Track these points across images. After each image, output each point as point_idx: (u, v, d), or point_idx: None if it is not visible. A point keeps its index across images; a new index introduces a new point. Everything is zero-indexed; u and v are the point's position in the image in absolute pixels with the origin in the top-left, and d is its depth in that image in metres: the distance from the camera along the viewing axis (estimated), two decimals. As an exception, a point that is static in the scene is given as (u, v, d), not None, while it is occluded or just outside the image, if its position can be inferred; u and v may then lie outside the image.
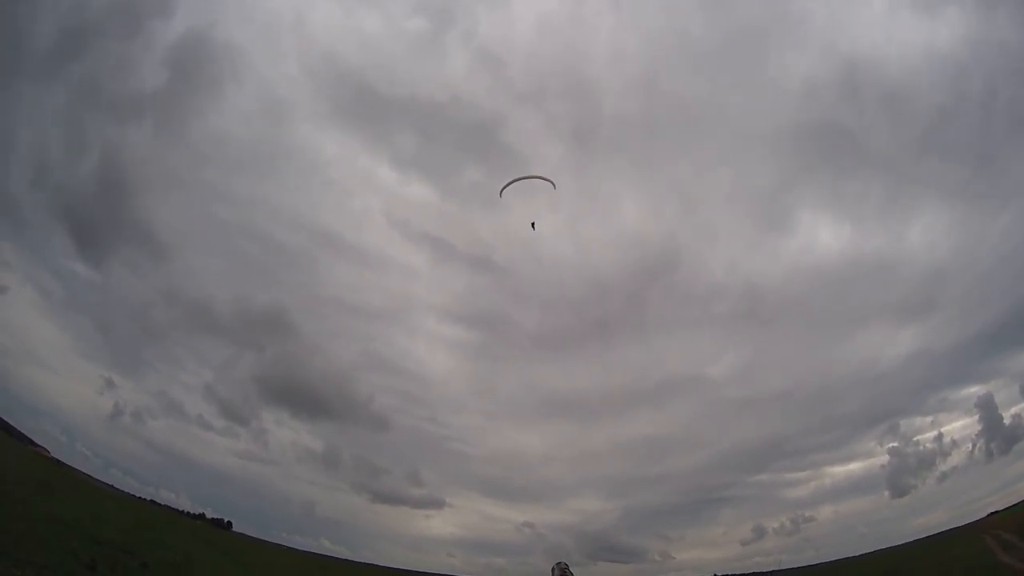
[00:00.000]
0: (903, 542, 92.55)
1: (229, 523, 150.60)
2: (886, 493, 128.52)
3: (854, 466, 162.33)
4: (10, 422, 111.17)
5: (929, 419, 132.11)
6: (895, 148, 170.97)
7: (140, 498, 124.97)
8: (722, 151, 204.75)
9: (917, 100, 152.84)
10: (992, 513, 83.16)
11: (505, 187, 39.63)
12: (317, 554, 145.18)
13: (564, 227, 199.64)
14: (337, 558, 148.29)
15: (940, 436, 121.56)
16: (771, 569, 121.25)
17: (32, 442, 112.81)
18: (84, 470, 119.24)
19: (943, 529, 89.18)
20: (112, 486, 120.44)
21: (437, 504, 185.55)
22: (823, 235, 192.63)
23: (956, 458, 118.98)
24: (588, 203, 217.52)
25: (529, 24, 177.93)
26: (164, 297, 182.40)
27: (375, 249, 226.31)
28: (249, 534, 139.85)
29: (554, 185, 41.43)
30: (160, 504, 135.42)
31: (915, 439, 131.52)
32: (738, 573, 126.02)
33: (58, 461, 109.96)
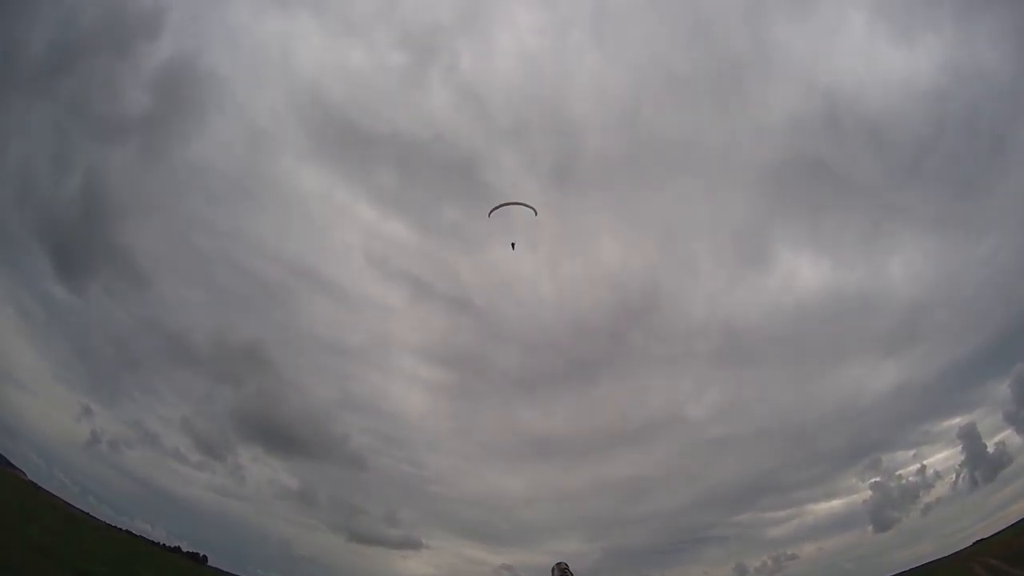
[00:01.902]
0: (889, 575, 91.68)
1: (205, 557, 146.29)
2: (869, 528, 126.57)
3: (836, 503, 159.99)
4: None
5: (911, 452, 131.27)
6: (875, 180, 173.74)
7: (116, 527, 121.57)
8: (702, 187, 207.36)
9: (897, 130, 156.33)
10: (978, 541, 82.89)
11: (493, 210, 41.36)
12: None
13: (544, 266, 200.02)
14: None
15: (923, 468, 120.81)
16: None
17: (9, 464, 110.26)
18: (60, 495, 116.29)
19: (929, 560, 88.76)
20: (88, 513, 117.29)
21: (414, 545, 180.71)
22: (803, 271, 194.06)
23: (940, 489, 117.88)
24: (568, 241, 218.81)
25: (511, 60, 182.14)
26: (143, 326, 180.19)
27: (353, 286, 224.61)
28: (225, 569, 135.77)
29: (536, 212, 42.75)
30: (136, 535, 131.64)
31: (897, 473, 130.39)
32: None
33: (35, 485, 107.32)
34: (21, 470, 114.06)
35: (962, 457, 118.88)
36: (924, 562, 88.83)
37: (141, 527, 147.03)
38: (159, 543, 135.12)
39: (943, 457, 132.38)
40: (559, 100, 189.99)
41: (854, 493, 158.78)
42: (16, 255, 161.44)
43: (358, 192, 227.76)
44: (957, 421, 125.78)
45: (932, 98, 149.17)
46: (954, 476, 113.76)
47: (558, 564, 19.43)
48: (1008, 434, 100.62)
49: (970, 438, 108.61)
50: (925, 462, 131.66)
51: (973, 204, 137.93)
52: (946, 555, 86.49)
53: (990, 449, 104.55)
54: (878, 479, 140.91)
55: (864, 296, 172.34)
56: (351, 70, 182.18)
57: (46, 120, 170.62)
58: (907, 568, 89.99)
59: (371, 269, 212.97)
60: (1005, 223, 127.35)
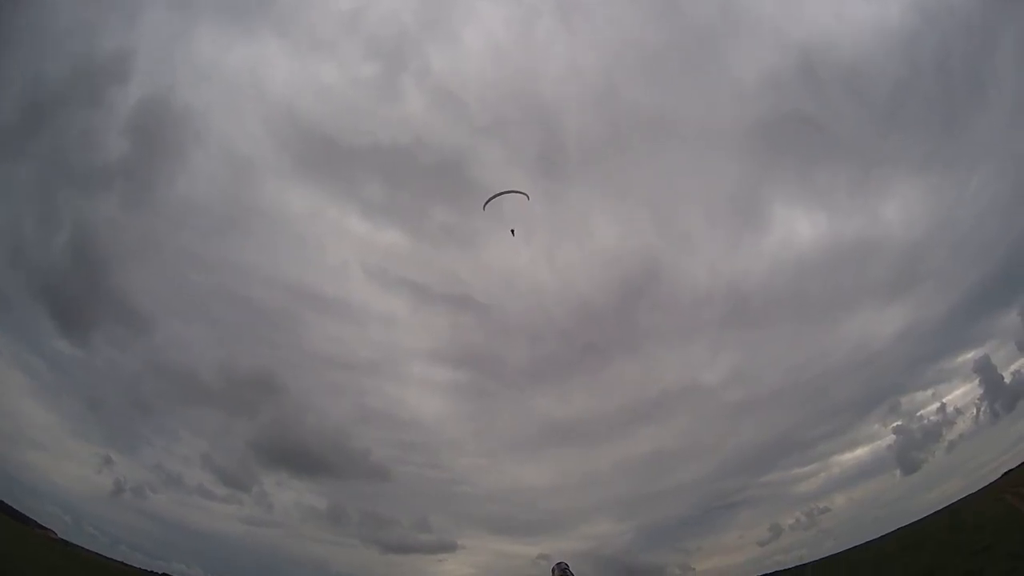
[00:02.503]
0: (923, 516, 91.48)
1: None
2: (897, 472, 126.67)
3: (861, 451, 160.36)
4: (14, 506, 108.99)
5: (929, 392, 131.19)
6: (859, 129, 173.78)
7: (152, 572, 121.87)
8: (689, 156, 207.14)
9: (874, 76, 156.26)
10: (1007, 472, 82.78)
11: (487, 202, 42.09)
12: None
13: (541, 255, 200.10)
14: None
15: (943, 407, 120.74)
16: (793, 565, 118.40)
17: (38, 525, 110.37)
18: (93, 549, 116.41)
19: (961, 497, 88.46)
20: (123, 563, 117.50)
21: (449, 548, 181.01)
22: (799, 226, 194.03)
23: (962, 425, 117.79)
24: (562, 227, 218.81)
25: (481, 55, 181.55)
26: (150, 369, 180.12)
27: (355, 301, 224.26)
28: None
29: (528, 196, 43.84)
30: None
31: (918, 414, 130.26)
32: (761, 574, 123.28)
33: (65, 542, 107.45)
34: (51, 529, 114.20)
35: (980, 391, 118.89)
36: (956, 499, 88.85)
37: (178, 568, 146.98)
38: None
39: (961, 393, 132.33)
40: (535, 89, 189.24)
41: (877, 439, 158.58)
42: (15, 317, 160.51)
43: (347, 207, 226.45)
44: (971, 355, 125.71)
45: (904, 40, 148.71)
46: (974, 410, 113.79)
47: (558, 564, 19.43)
48: (1023, 362, 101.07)
49: (986, 370, 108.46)
50: (944, 400, 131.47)
51: (957, 141, 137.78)
52: (977, 490, 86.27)
53: (1007, 379, 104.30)
54: (899, 422, 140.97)
55: (862, 244, 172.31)
56: (324, 87, 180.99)
57: (27, 181, 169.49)
58: (940, 507, 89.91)
59: (370, 281, 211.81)
60: (991, 156, 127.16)
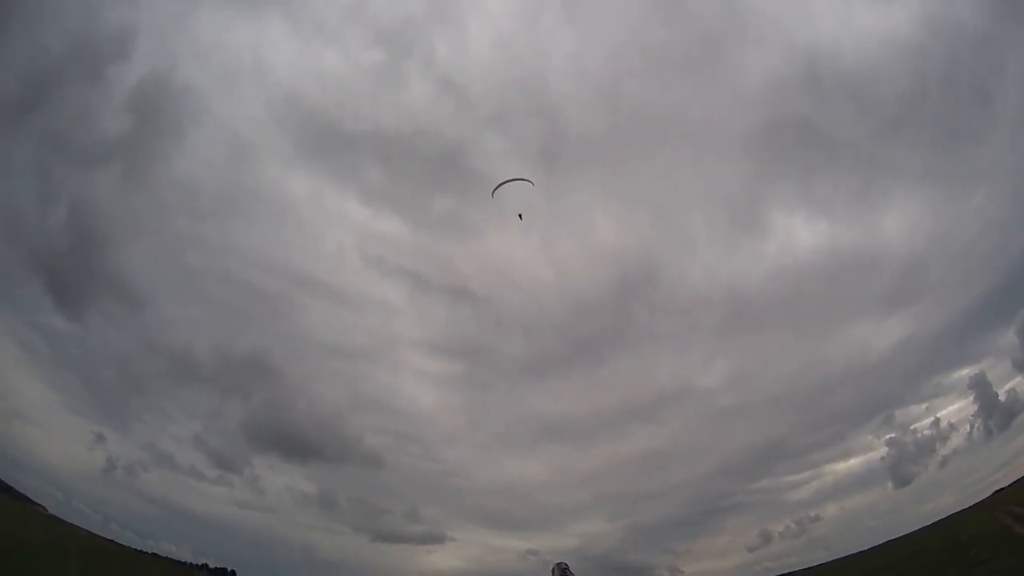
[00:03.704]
0: (914, 529, 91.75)
1: (232, 572, 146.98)
2: (889, 484, 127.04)
3: (854, 461, 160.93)
4: (7, 482, 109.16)
5: (924, 406, 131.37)
6: (862, 138, 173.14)
7: (142, 552, 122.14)
8: (690, 158, 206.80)
9: (879, 87, 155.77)
10: (998, 491, 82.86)
11: (496, 188, 43.75)
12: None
13: (539, 249, 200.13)
14: None
15: (937, 421, 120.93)
16: (781, 573, 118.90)
17: (29, 500, 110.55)
18: (84, 526, 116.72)
19: (951, 512, 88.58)
20: (113, 541, 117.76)
21: (438, 539, 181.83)
22: (799, 233, 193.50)
23: (955, 441, 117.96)
24: (562, 223, 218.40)
25: (486, 47, 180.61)
26: (145, 348, 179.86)
27: (352, 288, 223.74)
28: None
29: (532, 183, 46.15)
30: (162, 557, 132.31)
31: (912, 427, 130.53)
32: None
33: (56, 519, 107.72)
34: (42, 505, 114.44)
35: (975, 407, 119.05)
36: (947, 515, 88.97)
37: (167, 548, 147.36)
38: (186, 562, 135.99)
39: (956, 408, 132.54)
40: (538, 82, 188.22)
41: (871, 451, 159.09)
42: (12, 291, 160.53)
43: (347, 193, 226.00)
44: (966, 372, 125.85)
45: (911, 52, 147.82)
46: (968, 427, 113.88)
47: (558, 564, 19.43)
48: (1019, 381, 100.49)
49: (981, 387, 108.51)
50: (939, 415, 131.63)
51: (961, 156, 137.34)
52: (968, 507, 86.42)
53: (1002, 397, 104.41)
54: (893, 435, 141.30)
55: (862, 254, 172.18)
56: (327, 72, 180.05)
57: (25, 156, 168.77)
58: (930, 522, 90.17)
59: (368, 268, 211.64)
60: (995, 173, 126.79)
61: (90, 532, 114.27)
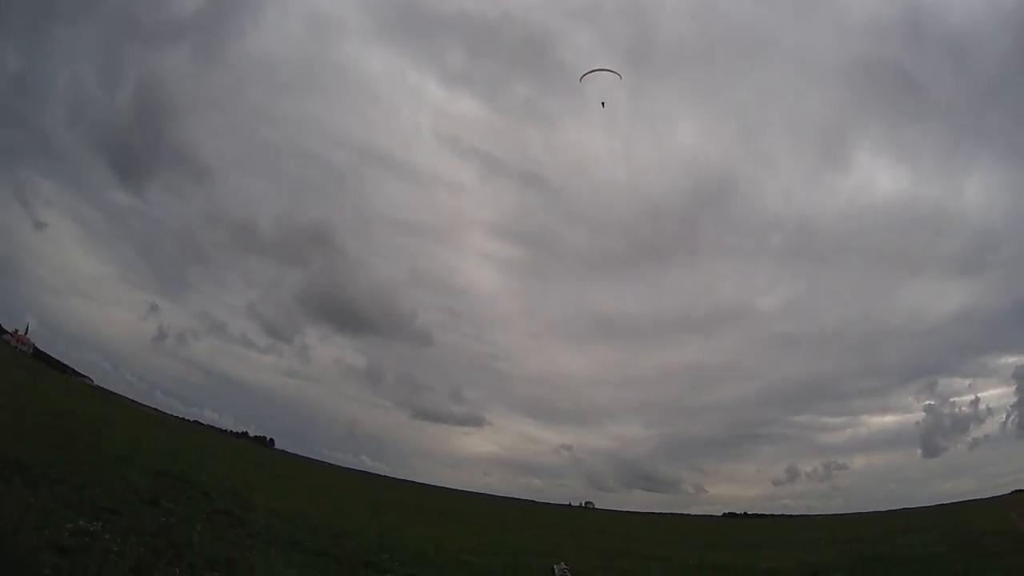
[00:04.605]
0: (932, 504, 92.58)
1: (271, 440, 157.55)
2: (918, 451, 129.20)
3: (890, 418, 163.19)
4: (53, 355, 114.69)
5: (967, 382, 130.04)
6: (956, 96, 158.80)
7: (184, 419, 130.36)
8: (782, 80, 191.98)
9: (981, 51, 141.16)
10: (1016, 491, 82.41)
11: (585, 75, 44.63)
12: (357, 471, 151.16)
13: (618, 147, 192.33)
14: (377, 474, 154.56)
15: (976, 401, 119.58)
16: (800, 513, 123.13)
17: (75, 372, 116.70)
18: (129, 396, 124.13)
19: (966, 499, 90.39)
20: (157, 409, 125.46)
21: (477, 422, 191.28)
22: (880, 177, 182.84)
23: (989, 426, 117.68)
24: (643, 125, 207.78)
25: None
26: (208, 219, 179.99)
27: (424, 166, 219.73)
28: (291, 451, 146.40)
29: (620, 76, 46.66)
30: (204, 424, 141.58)
31: (951, 400, 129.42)
32: (767, 514, 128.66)
33: (103, 389, 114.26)
34: (88, 376, 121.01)
35: (1015, 398, 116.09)
36: (962, 499, 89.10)
37: (209, 416, 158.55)
38: (226, 430, 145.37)
39: (997, 394, 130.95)
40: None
41: (908, 412, 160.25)
42: (74, 170, 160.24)
43: (427, 72, 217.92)
44: (1014, 360, 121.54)
45: (1017, 23, 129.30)
46: (1004, 416, 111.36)
47: (558, 565, 18.65)
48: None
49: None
50: (979, 395, 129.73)
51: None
52: (983, 497, 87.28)
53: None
54: (932, 402, 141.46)
55: (938, 213, 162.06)
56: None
57: (90, 39, 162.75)
58: (946, 501, 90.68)
59: (441, 148, 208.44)
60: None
61: (135, 401, 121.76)
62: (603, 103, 44.42)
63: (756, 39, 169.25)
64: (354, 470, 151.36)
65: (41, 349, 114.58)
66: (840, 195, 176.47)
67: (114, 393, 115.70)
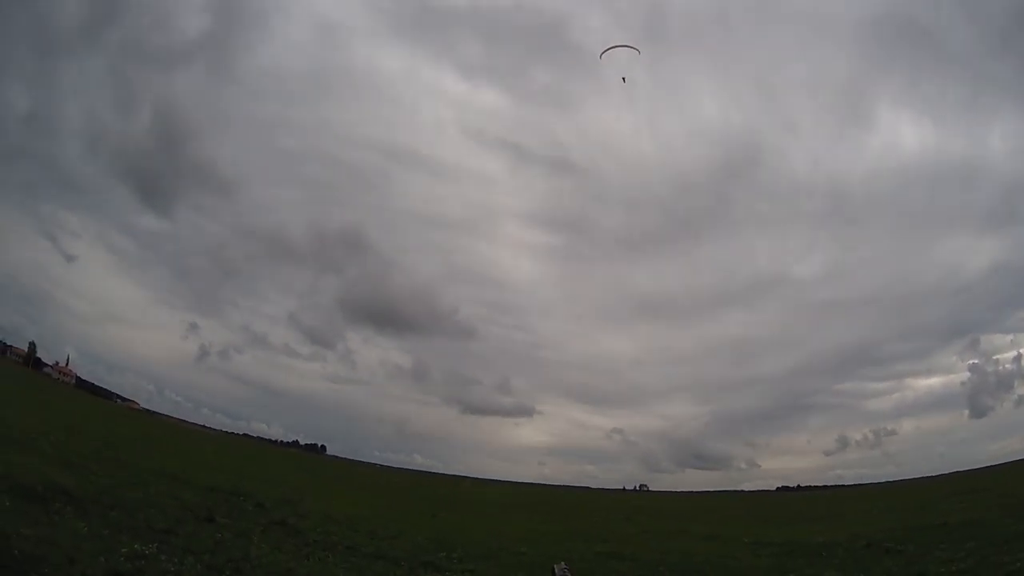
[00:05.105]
0: (984, 465, 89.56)
1: (323, 447, 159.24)
2: (965, 412, 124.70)
3: (935, 380, 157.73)
4: (96, 383, 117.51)
5: (1009, 337, 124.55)
6: (972, 46, 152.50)
7: (233, 433, 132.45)
8: (798, 41, 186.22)
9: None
10: None
11: (604, 52, 44.38)
12: (410, 470, 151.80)
13: (642, 123, 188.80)
14: (430, 472, 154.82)
15: (1020, 357, 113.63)
16: (853, 483, 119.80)
17: (121, 397, 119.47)
18: (176, 415, 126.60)
19: (1016, 459, 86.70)
20: (205, 426, 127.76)
21: (527, 412, 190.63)
22: (904, 132, 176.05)
23: None
24: (665, 99, 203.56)
25: None
26: (237, 234, 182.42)
27: (450, 160, 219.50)
28: (344, 456, 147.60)
29: (639, 52, 46.23)
30: (253, 436, 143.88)
31: (995, 357, 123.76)
32: (820, 485, 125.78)
33: (149, 411, 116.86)
34: (133, 400, 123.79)
35: None
36: (1012, 460, 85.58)
37: (258, 428, 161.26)
38: (277, 440, 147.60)
39: None
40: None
41: (952, 372, 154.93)
42: (98, 201, 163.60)
43: (444, 67, 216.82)
44: None
45: None
46: None
47: (558, 565, 17.90)
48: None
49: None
50: (1022, 350, 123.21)
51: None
52: None
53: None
54: (976, 361, 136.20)
55: (966, 164, 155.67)
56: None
57: (98, 70, 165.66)
58: (996, 463, 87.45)
59: (467, 141, 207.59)
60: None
61: (182, 420, 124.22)
62: (624, 79, 44.51)
63: (769, 1, 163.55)
64: (407, 470, 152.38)
65: (83, 378, 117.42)
66: (867, 153, 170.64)
67: (161, 414, 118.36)
